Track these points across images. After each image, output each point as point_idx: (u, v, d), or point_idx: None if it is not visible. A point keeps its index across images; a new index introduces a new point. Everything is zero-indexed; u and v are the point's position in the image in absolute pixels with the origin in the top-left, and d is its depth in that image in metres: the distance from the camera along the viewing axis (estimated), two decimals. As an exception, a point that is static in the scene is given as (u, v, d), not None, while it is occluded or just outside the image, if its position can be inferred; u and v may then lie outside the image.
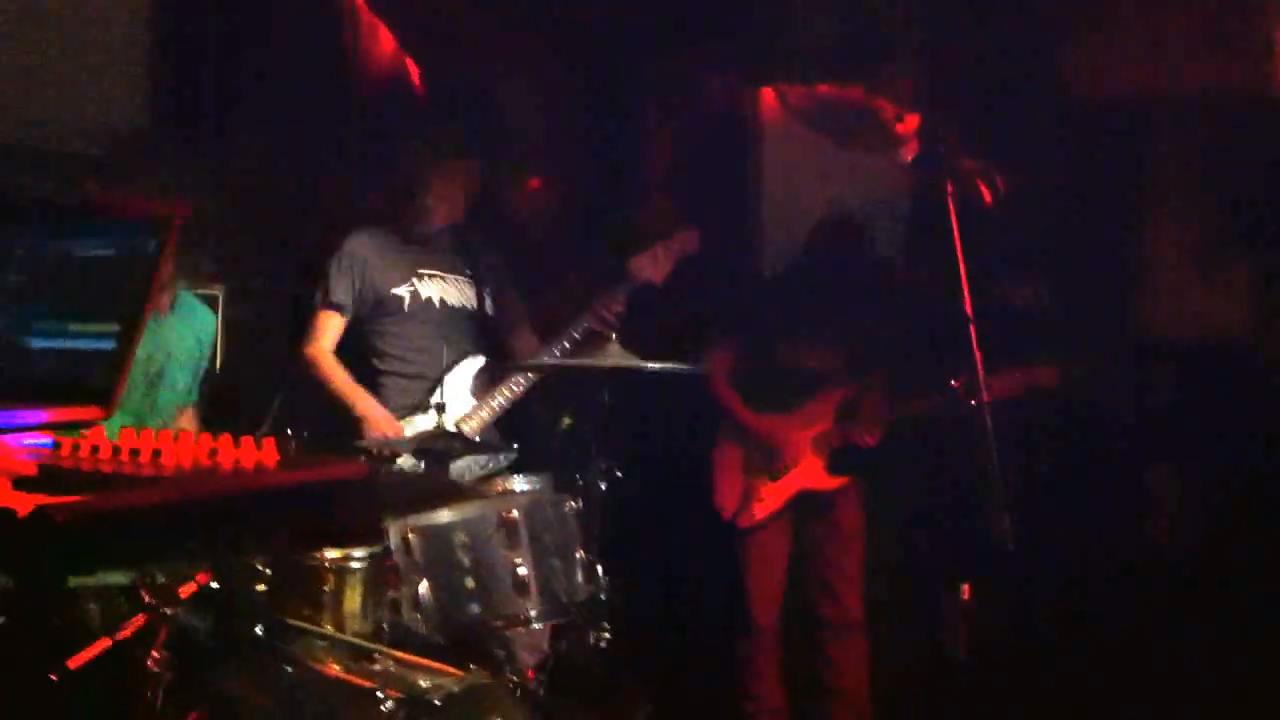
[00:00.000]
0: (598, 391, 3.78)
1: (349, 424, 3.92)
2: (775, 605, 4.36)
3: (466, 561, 3.27)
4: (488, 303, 4.24)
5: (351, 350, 4.12)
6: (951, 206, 3.54)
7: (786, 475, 4.31)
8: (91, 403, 1.94)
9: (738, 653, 4.37)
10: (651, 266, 4.16)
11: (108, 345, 2.00)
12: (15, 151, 4.17)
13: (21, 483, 1.35)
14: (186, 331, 3.89)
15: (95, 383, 1.97)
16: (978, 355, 3.46)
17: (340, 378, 4.03)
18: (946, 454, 4.36)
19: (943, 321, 3.61)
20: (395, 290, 4.10)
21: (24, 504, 1.29)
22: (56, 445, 1.60)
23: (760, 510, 4.31)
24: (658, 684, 4.03)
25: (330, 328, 4.08)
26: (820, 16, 5.18)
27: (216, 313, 4.20)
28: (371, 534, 1.86)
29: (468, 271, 4.22)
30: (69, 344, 2.07)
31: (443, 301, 4.14)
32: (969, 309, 3.47)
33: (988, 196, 4.92)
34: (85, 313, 2.07)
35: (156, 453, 1.50)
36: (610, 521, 3.62)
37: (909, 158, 5.25)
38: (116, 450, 1.55)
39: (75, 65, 4.60)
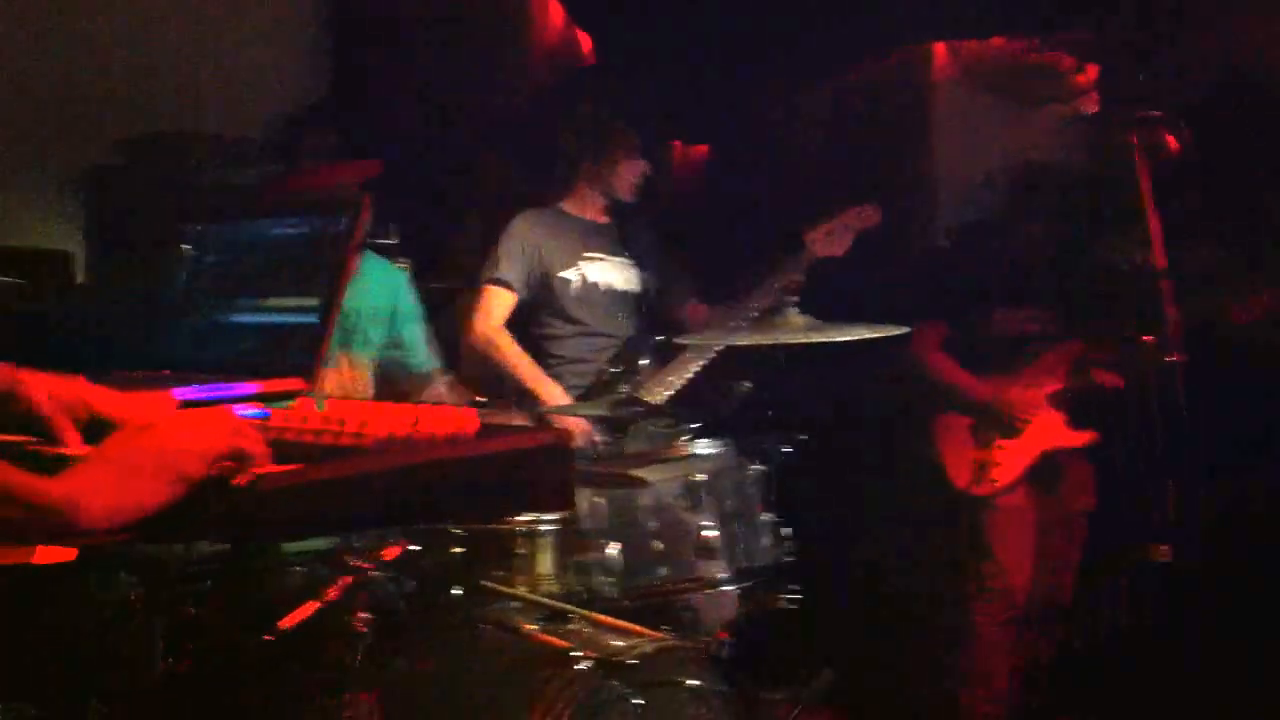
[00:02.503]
0: (777, 355, 3.76)
1: (523, 400, 3.96)
2: (1020, 578, 4.15)
3: (653, 525, 3.30)
4: (651, 284, 4.25)
5: (517, 334, 4.15)
6: (1139, 159, 3.41)
7: (1026, 435, 4.11)
8: (296, 375, 2.03)
9: (972, 626, 4.16)
10: (828, 241, 4.08)
11: (308, 319, 2.09)
12: (195, 137, 4.35)
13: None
14: (372, 288, 3.85)
15: (298, 355, 2.06)
16: (1171, 311, 3.33)
17: (515, 353, 4.05)
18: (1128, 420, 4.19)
19: (1129, 278, 3.49)
20: (563, 273, 4.14)
21: (240, 473, 1.35)
22: (267, 417, 1.67)
23: (1001, 476, 4.10)
24: (842, 648, 4.01)
25: (501, 304, 4.11)
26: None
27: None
28: (565, 500, 1.89)
29: (630, 253, 4.24)
30: (271, 319, 2.17)
31: (610, 285, 4.17)
32: (1162, 263, 3.34)
33: (1175, 146, 4.72)
34: (285, 289, 2.17)
35: (363, 423, 1.55)
36: (793, 485, 3.61)
37: (1090, 109, 5.07)
38: (325, 420, 1.60)
39: (246, 49, 4.77)
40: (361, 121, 4.55)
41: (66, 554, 1.59)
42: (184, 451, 1.36)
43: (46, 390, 1.63)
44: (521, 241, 4.14)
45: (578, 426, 3.78)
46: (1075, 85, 5.15)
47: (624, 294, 4.19)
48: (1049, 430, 4.13)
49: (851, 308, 3.72)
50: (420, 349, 3.90)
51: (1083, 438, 4.14)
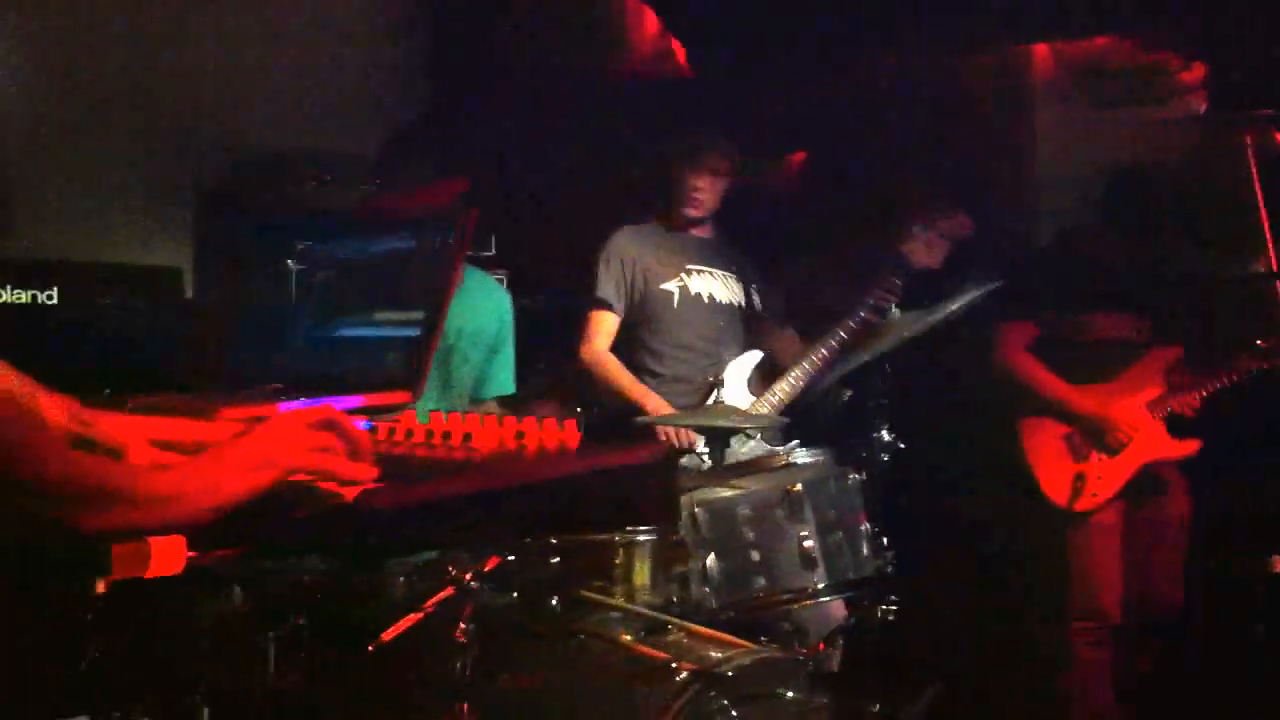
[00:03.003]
0: (878, 364, 3.73)
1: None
2: (1116, 594, 4.03)
3: (751, 536, 3.28)
4: (754, 298, 4.23)
5: (618, 347, 4.17)
6: (1252, 159, 3.33)
7: (1129, 448, 4.01)
8: (399, 388, 2.05)
9: (1061, 642, 4.07)
10: (926, 252, 4.03)
11: (411, 333, 2.11)
12: (297, 155, 4.41)
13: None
14: (479, 308, 3.86)
15: (401, 369, 2.09)
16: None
17: (621, 375, 4.07)
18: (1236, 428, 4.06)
19: (1238, 282, 3.40)
20: (665, 287, 4.13)
21: (351, 489, 1.36)
22: (373, 429, 1.69)
23: (1102, 490, 3.99)
24: (946, 660, 3.95)
25: (603, 327, 4.13)
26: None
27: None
28: (670, 514, 1.89)
29: (733, 266, 4.23)
30: (376, 333, 2.20)
31: (711, 298, 4.15)
32: (1277, 266, 3.25)
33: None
34: (389, 304, 2.19)
35: (467, 436, 1.56)
36: (895, 494, 3.57)
37: (1198, 109, 4.95)
38: (429, 434, 1.62)
39: (342, 66, 4.84)
40: (456, 137, 4.59)
41: (175, 566, 1.62)
42: (273, 439, 1.40)
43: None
44: (620, 257, 4.15)
45: (681, 438, 3.77)
46: (1181, 85, 5.04)
47: (725, 306, 4.17)
48: (1151, 442, 4.03)
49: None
50: (507, 375, 3.90)
51: (1186, 448, 4.03)
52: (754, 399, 4.00)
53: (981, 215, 4.20)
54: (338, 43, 4.80)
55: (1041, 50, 5.42)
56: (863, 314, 3.89)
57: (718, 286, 4.17)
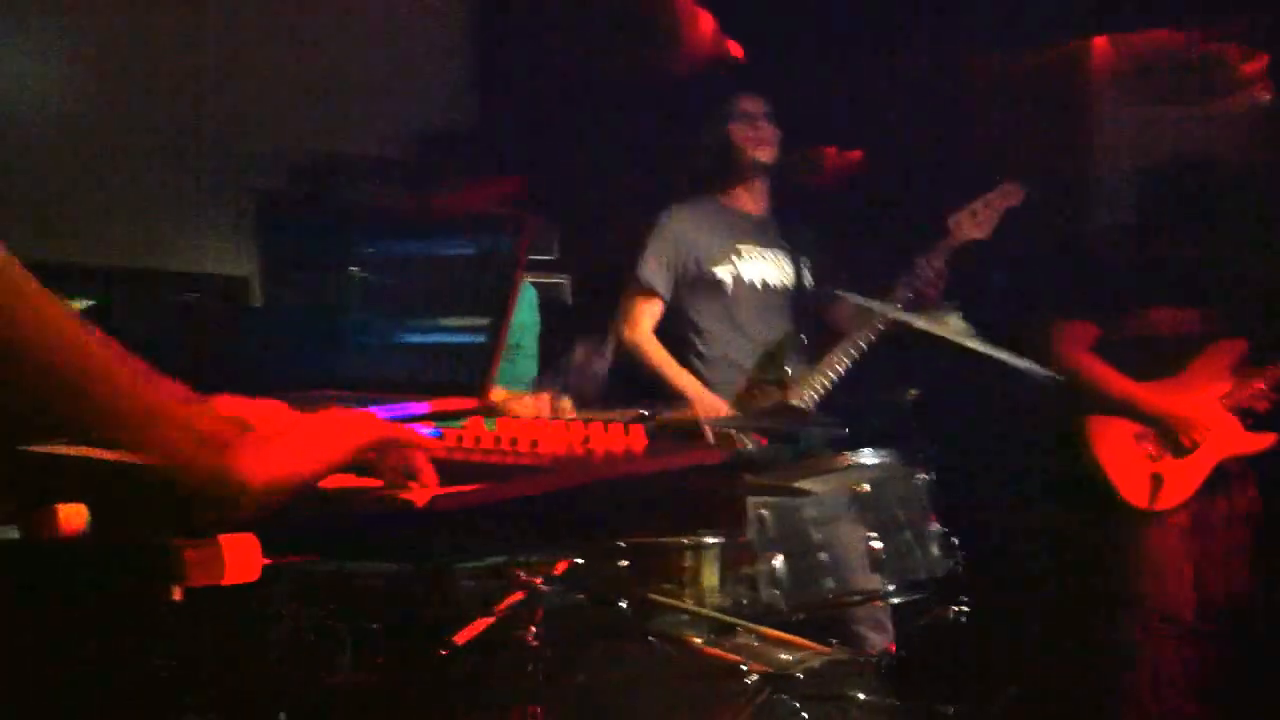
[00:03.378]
0: (944, 363, 3.69)
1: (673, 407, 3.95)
2: (1192, 594, 4.01)
3: (818, 536, 3.25)
4: (806, 277, 4.19)
5: (663, 328, 4.15)
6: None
7: (1205, 445, 3.96)
8: (466, 393, 2.06)
9: (1137, 643, 4.06)
10: (972, 223, 3.98)
11: (477, 339, 2.12)
12: (352, 159, 4.46)
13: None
14: (524, 303, 3.93)
15: (468, 375, 2.10)
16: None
17: (666, 362, 4.06)
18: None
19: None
20: (716, 270, 4.11)
21: (420, 494, 1.37)
22: (440, 435, 1.69)
23: (1180, 489, 3.96)
24: (1022, 661, 3.90)
25: (648, 311, 4.11)
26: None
27: (569, 301, 4.33)
28: (737, 516, 1.88)
29: (785, 243, 4.19)
30: (440, 339, 2.21)
31: (764, 281, 4.12)
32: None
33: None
34: (452, 309, 2.21)
35: (534, 441, 1.56)
36: (963, 494, 3.53)
37: (1262, 100, 4.86)
38: (498, 440, 1.62)
39: (397, 71, 4.88)
40: (508, 135, 4.61)
41: (252, 573, 1.63)
42: (340, 427, 1.40)
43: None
44: (670, 237, 4.12)
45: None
46: (1244, 76, 4.95)
47: (777, 288, 4.14)
48: (1227, 438, 3.96)
49: (1001, 304, 3.64)
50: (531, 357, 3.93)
51: (1263, 441, 3.96)
52: (802, 384, 3.97)
53: (1041, 211, 4.14)
54: (393, 45, 4.85)
55: (1100, 44, 5.36)
56: (907, 283, 3.85)
57: (769, 269, 4.14)
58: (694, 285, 4.12)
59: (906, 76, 5.35)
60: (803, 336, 4.11)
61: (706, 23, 5.67)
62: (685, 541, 3.05)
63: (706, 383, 4.04)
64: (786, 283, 4.16)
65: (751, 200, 4.20)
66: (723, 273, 4.11)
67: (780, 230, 4.21)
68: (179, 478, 1.35)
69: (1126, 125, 5.30)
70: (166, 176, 4.37)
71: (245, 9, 4.57)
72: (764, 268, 4.14)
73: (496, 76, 5.24)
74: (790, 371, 4.00)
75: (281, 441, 1.37)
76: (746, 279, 4.12)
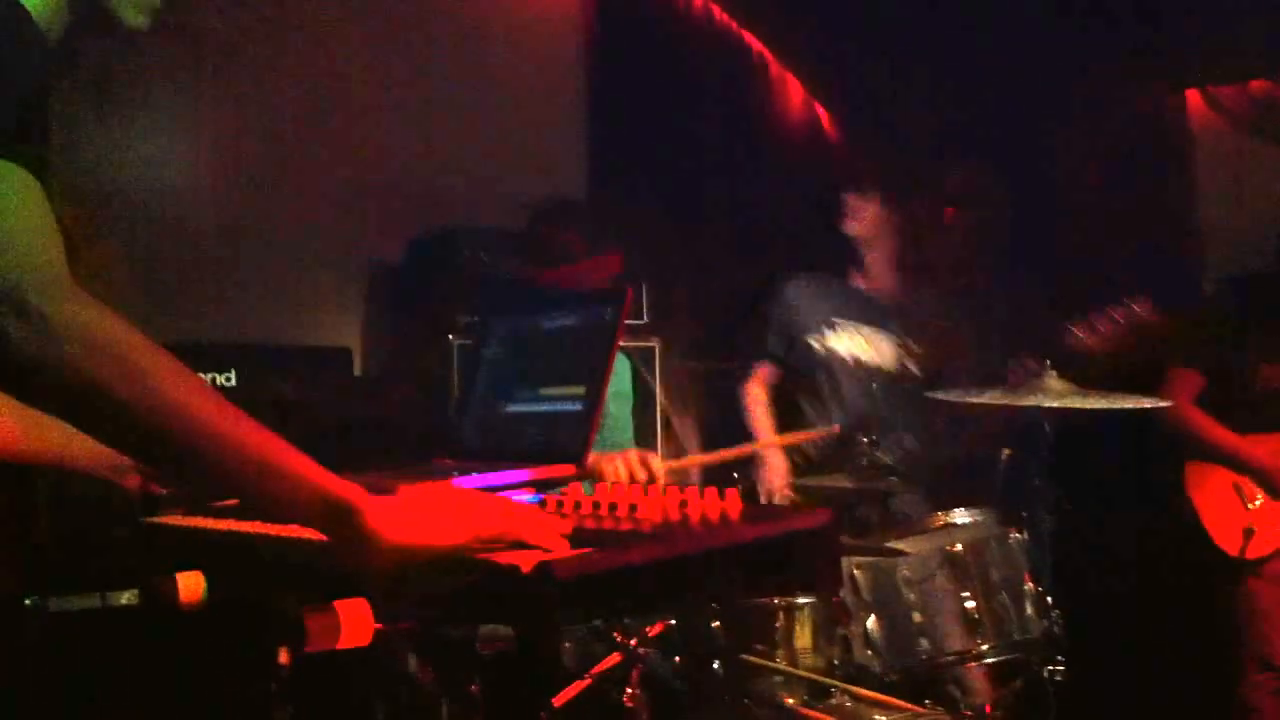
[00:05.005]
0: (1040, 422, 3.68)
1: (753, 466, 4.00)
2: None
3: (912, 597, 3.26)
4: (909, 362, 4.22)
5: (778, 398, 4.23)
6: None
7: None
8: (566, 460, 2.13)
9: (1238, 695, 3.94)
10: (1094, 339, 3.95)
11: (576, 407, 2.19)
12: (474, 231, 4.56)
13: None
14: (619, 372, 3.95)
15: (567, 442, 2.17)
16: None
17: (759, 421, 4.15)
18: None
19: None
20: (808, 338, 4.17)
21: (527, 560, 1.43)
22: (543, 502, 1.75)
23: (1271, 540, 3.91)
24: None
25: (763, 375, 4.22)
26: (1246, 11, 4.85)
27: (654, 364, 4.40)
28: (834, 580, 1.91)
29: (889, 322, 4.23)
30: (542, 408, 2.29)
31: (853, 355, 4.16)
32: None
33: None
34: (554, 378, 2.28)
35: (633, 507, 1.61)
36: (1061, 554, 3.51)
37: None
38: (596, 505, 1.67)
39: (519, 143, 5.00)
40: (613, 212, 4.71)
41: (364, 639, 1.70)
42: (477, 507, 1.49)
43: None
44: (781, 306, 4.23)
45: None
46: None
47: (870, 367, 4.17)
48: None
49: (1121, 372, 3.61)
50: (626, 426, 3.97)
51: None
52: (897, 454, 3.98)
53: (1149, 264, 4.12)
54: (501, 121, 4.96)
55: (1194, 95, 5.34)
56: (1019, 369, 3.83)
57: (861, 345, 4.18)
58: (802, 358, 4.20)
59: (1009, 135, 5.33)
60: (902, 415, 4.12)
61: (796, 91, 5.73)
62: (778, 602, 3.07)
63: (807, 452, 4.09)
64: (883, 362, 4.19)
65: (878, 279, 4.25)
66: (813, 341, 4.17)
67: (890, 308, 4.25)
68: (320, 530, 1.45)
69: (1234, 177, 5.27)
70: (280, 252, 4.50)
71: (358, 85, 4.69)
72: (855, 344, 4.19)
73: (603, 150, 5.34)
74: (869, 441, 4.00)
75: (418, 509, 1.47)
76: (834, 349, 4.17)
